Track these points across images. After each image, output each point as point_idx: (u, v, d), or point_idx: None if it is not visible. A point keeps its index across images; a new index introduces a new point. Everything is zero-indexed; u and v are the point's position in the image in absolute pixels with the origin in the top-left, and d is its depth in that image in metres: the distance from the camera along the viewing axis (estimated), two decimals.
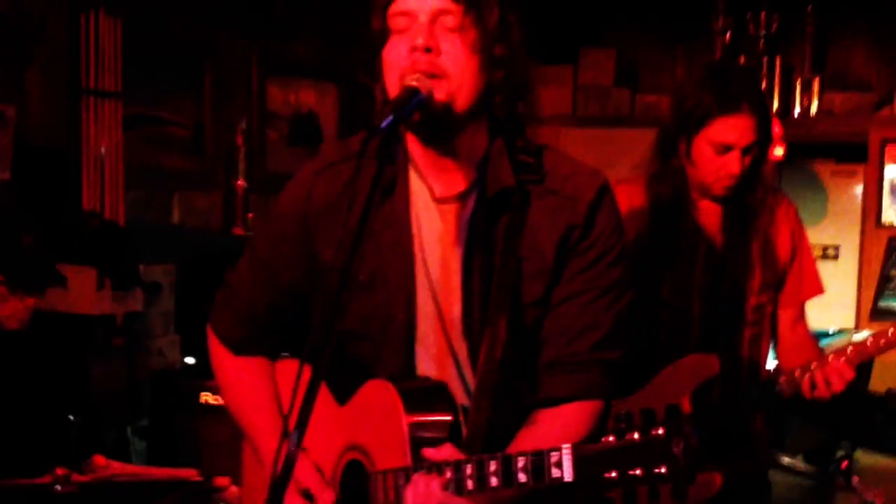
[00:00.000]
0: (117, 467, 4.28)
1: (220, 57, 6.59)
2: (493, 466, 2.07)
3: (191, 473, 4.27)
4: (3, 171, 5.26)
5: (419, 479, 2.15)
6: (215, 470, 4.29)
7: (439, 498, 2.12)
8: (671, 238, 3.55)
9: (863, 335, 4.07)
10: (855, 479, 4.18)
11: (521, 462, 2.03)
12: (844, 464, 4.25)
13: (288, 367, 2.64)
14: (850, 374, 3.41)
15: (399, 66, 2.23)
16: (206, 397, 5.10)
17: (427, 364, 2.39)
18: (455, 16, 2.22)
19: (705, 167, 3.49)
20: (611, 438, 1.90)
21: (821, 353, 3.57)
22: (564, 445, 1.97)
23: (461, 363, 2.38)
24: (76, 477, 3.98)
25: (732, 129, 3.44)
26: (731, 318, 3.59)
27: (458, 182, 2.36)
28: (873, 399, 4.66)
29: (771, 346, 3.75)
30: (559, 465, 1.96)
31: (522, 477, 2.02)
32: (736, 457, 3.55)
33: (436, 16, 2.22)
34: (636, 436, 1.87)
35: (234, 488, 4.20)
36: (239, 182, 6.58)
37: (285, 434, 1.99)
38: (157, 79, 6.21)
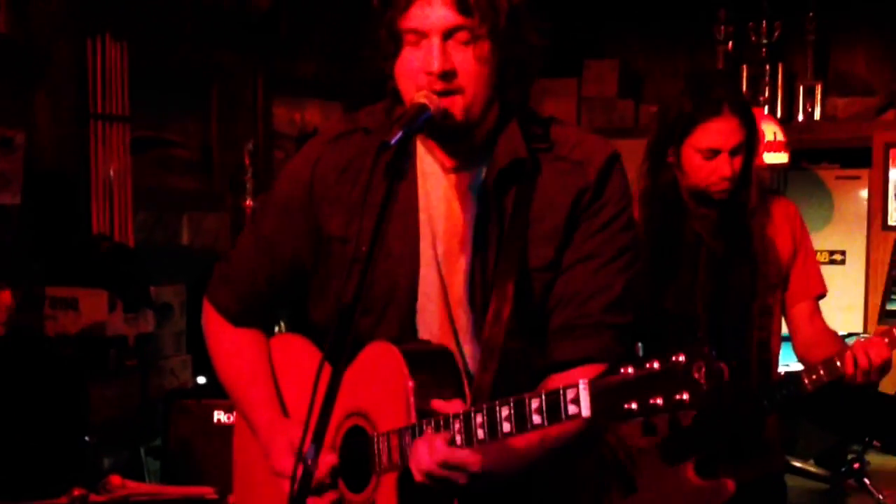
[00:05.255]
0: (133, 487, 4.30)
1: (226, 78, 6.63)
2: (505, 412, 2.05)
3: (206, 491, 4.28)
4: (13, 195, 5.30)
5: (423, 440, 2.14)
6: (228, 489, 4.30)
7: (444, 454, 2.10)
8: (671, 250, 3.56)
9: None
10: (867, 481, 4.19)
11: (534, 403, 2.01)
12: (856, 466, 4.26)
13: (283, 343, 2.65)
14: (887, 352, 3.42)
15: (415, 81, 2.25)
16: (219, 416, 5.11)
17: (425, 337, 2.40)
18: (466, 31, 2.22)
19: (697, 174, 3.49)
20: (629, 370, 1.86)
21: (844, 343, 3.57)
22: (581, 380, 1.94)
23: (461, 336, 2.39)
24: (93, 497, 4.00)
25: (716, 133, 3.44)
26: (738, 322, 3.59)
27: (467, 151, 2.37)
28: (883, 401, 4.68)
29: (782, 345, 3.75)
30: (576, 401, 1.94)
31: (537, 418, 2.00)
32: (750, 460, 3.56)
33: (448, 33, 2.22)
34: (656, 364, 1.84)
35: None
36: (247, 202, 6.61)
37: (300, 450, 2.02)
38: (164, 102, 6.25)
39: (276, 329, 4.10)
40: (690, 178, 3.50)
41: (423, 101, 2.20)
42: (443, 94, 2.22)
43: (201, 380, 5.89)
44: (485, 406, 2.10)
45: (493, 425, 2.07)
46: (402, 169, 2.12)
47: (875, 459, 5.30)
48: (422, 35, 2.23)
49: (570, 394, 1.96)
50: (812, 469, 5.08)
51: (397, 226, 2.37)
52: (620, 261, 2.37)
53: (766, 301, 3.61)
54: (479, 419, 2.10)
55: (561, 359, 2.35)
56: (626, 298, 2.38)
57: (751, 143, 3.50)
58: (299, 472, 2.02)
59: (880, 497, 4.11)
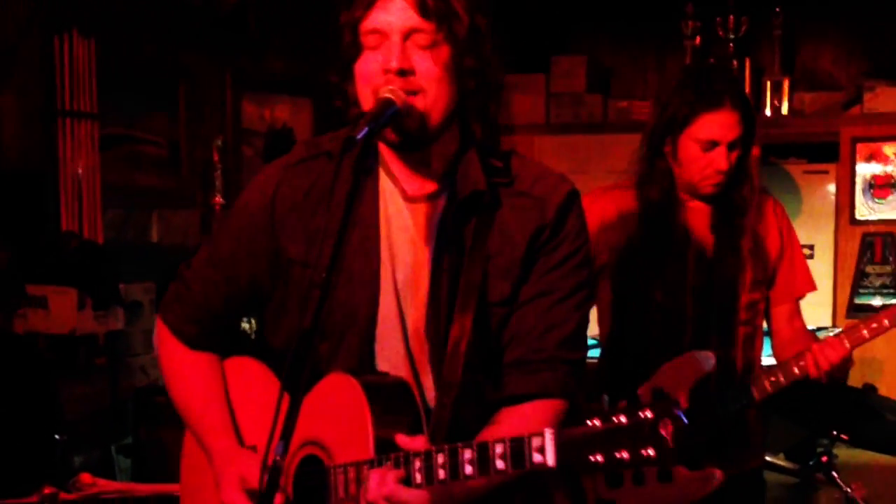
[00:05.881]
0: (104, 485, 4.27)
1: (194, 75, 6.61)
2: (468, 454, 2.06)
3: (177, 489, 4.26)
4: None
5: (377, 472, 2.15)
6: None
7: (390, 489, 2.11)
8: (661, 241, 3.57)
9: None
10: (835, 475, 4.22)
11: (498, 449, 2.02)
12: (824, 459, 4.28)
13: (237, 366, 2.62)
14: (844, 350, 3.45)
15: (373, 83, 2.26)
16: None
17: (383, 366, 2.39)
18: (427, 34, 2.24)
19: (692, 165, 3.50)
20: (596, 422, 1.88)
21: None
22: (547, 430, 1.96)
23: (418, 367, 2.39)
24: (63, 496, 3.98)
25: (717, 124, 3.46)
26: (724, 318, 3.60)
27: (429, 182, 2.38)
28: (851, 395, 4.70)
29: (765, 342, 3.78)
30: (541, 450, 1.95)
31: (500, 464, 2.01)
32: (732, 454, 3.58)
33: (408, 34, 2.24)
34: (623, 419, 1.86)
35: None
36: (216, 199, 6.59)
37: (269, 447, 2.02)
38: (132, 98, 6.22)
39: (248, 327, 4.09)
40: (686, 169, 3.52)
41: (388, 95, 2.21)
42: (403, 92, 2.23)
43: None
44: (447, 447, 2.11)
45: (454, 467, 2.09)
46: (367, 165, 2.13)
47: (843, 453, 5.33)
48: (381, 35, 2.25)
49: (536, 442, 1.97)
50: (781, 463, 5.09)
51: (358, 252, 2.38)
52: (575, 298, 2.40)
53: (753, 297, 3.63)
54: (440, 459, 2.11)
55: (515, 393, 2.37)
56: (579, 334, 2.42)
57: (748, 140, 3.52)
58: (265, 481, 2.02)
59: (848, 490, 4.12)
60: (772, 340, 3.79)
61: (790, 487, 5.38)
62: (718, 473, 3.46)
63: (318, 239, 2.20)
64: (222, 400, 2.58)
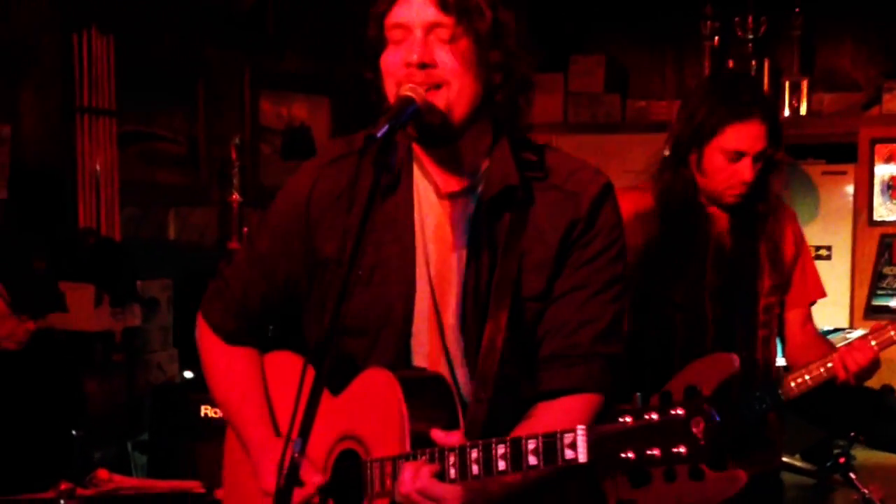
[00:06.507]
0: (120, 481, 4.29)
1: (213, 72, 6.62)
2: (501, 450, 2.08)
3: (194, 485, 4.28)
4: (0, 190, 5.29)
5: (411, 465, 2.18)
6: (216, 483, 4.30)
7: (424, 483, 2.14)
8: (680, 242, 3.57)
9: (857, 333, 4.10)
10: (852, 476, 4.20)
11: (531, 444, 2.03)
12: (842, 460, 4.27)
13: (277, 360, 2.66)
14: (871, 352, 3.45)
15: (396, 77, 2.28)
16: (206, 410, 5.11)
17: (419, 362, 2.41)
18: (447, 28, 2.26)
19: (717, 175, 3.51)
20: (628, 419, 1.89)
21: (833, 349, 3.61)
22: (579, 426, 1.97)
23: (454, 362, 2.40)
24: (80, 491, 4.00)
25: (745, 135, 3.46)
26: (745, 321, 3.61)
27: (462, 178, 2.40)
28: (868, 396, 4.69)
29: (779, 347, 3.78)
30: (573, 445, 1.97)
31: (533, 459, 2.03)
32: (752, 455, 3.57)
33: (430, 28, 2.26)
34: (654, 416, 1.86)
35: None
36: (233, 196, 6.59)
37: (288, 441, 2.03)
38: (150, 95, 6.24)
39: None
40: (710, 179, 3.52)
41: (408, 93, 2.23)
42: (426, 88, 2.26)
43: (188, 374, 5.89)
44: (481, 442, 2.12)
45: (488, 462, 2.10)
46: (388, 162, 2.14)
47: (861, 454, 5.31)
48: (405, 29, 2.28)
49: (568, 438, 1.99)
50: (798, 464, 5.09)
51: (394, 249, 2.40)
52: (610, 292, 2.41)
53: (770, 301, 3.64)
54: (474, 454, 2.12)
55: (551, 388, 2.38)
56: (614, 329, 2.42)
57: (773, 152, 3.52)
58: (286, 464, 2.03)
59: (866, 492, 4.11)
60: (784, 345, 3.79)
61: (806, 489, 5.35)
62: (743, 475, 3.46)
63: (352, 237, 2.22)
64: (260, 392, 2.62)
